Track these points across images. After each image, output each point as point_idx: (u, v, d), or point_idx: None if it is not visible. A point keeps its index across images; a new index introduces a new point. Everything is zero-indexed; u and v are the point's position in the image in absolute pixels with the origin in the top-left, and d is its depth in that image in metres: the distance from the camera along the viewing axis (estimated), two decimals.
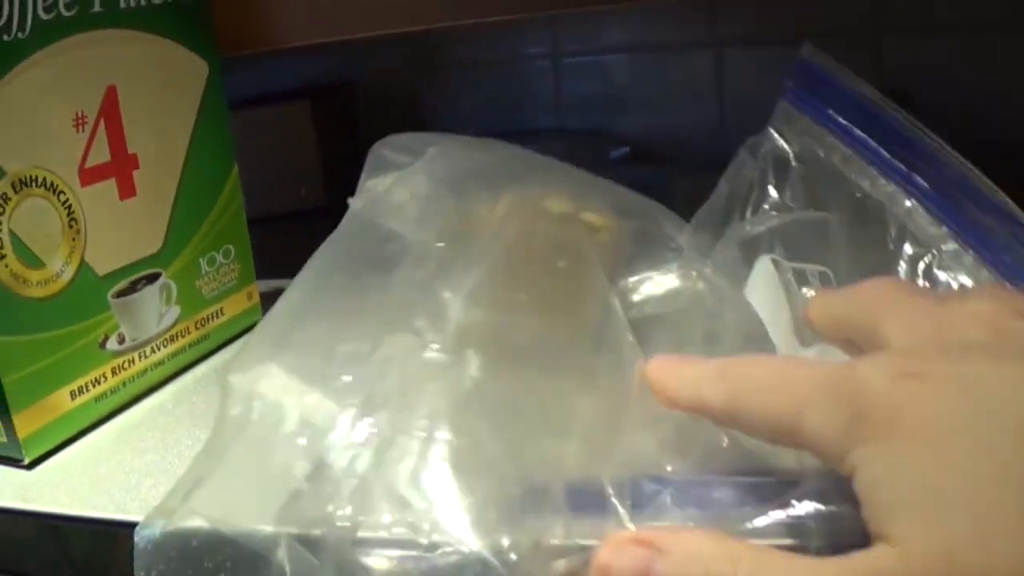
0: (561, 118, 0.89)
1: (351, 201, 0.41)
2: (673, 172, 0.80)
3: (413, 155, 0.42)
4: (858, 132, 0.41)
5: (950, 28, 0.75)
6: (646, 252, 0.41)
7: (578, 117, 0.88)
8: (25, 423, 0.43)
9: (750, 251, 0.42)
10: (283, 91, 0.83)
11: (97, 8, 0.45)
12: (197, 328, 0.52)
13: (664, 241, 0.42)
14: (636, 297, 0.39)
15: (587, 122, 0.88)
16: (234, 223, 0.54)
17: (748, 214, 0.44)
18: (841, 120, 0.42)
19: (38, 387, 0.43)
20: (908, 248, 0.39)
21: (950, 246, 0.39)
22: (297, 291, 0.38)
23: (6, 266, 0.41)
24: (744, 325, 0.37)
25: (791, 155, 0.43)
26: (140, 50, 0.48)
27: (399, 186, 0.40)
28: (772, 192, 0.43)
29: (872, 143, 0.41)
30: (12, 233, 0.42)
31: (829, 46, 0.43)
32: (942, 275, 0.38)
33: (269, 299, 0.57)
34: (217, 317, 0.54)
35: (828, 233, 0.42)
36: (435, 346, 0.34)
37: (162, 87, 0.49)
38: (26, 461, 0.43)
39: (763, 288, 0.41)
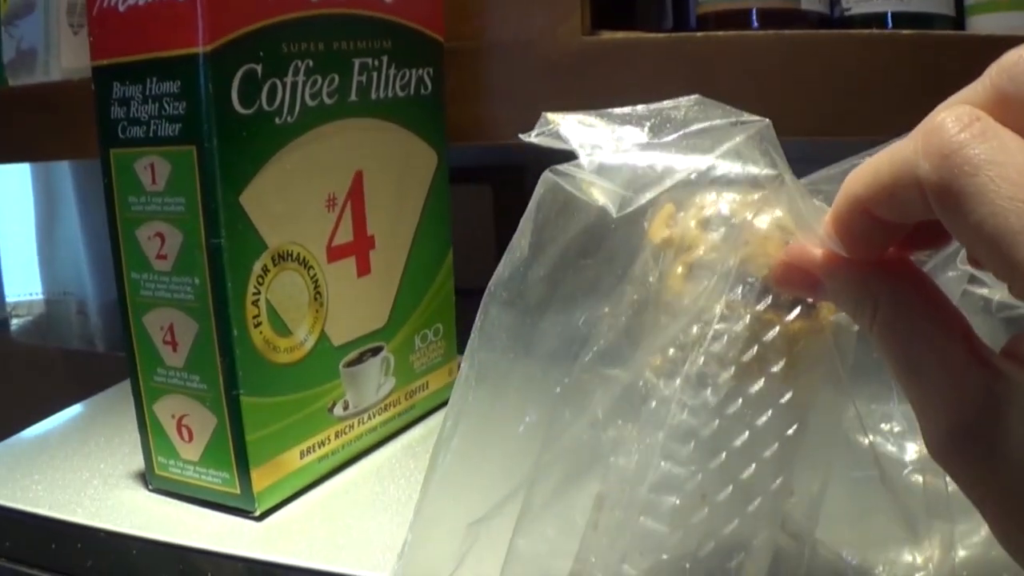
0: None
1: None
2: None
3: None
4: None
5: None
6: None
7: None
8: (261, 478, 0.46)
9: None
10: (462, 170, 0.87)
11: (353, 97, 0.49)
12: (407, 399, 0.55)
13: None
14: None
15: None
16: (446, 303, 0.57)
17: None
18: None
19: (275, 446, 0.46)
20: None
21: None
22: None
23: (261, 333, 0.45)
24: None
25: None
26: (384, 138, 0.51)
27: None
28: None
29: None
30: (268, 303, 0.45)
31: None
32: None
33: None
34: (423, 390, 0.57)
35: None
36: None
37: (399, 174, 0.53)
38: (257, 513, 0.46)
39: None
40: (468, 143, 0.61)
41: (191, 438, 0.47)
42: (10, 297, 1.19)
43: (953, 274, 0.35)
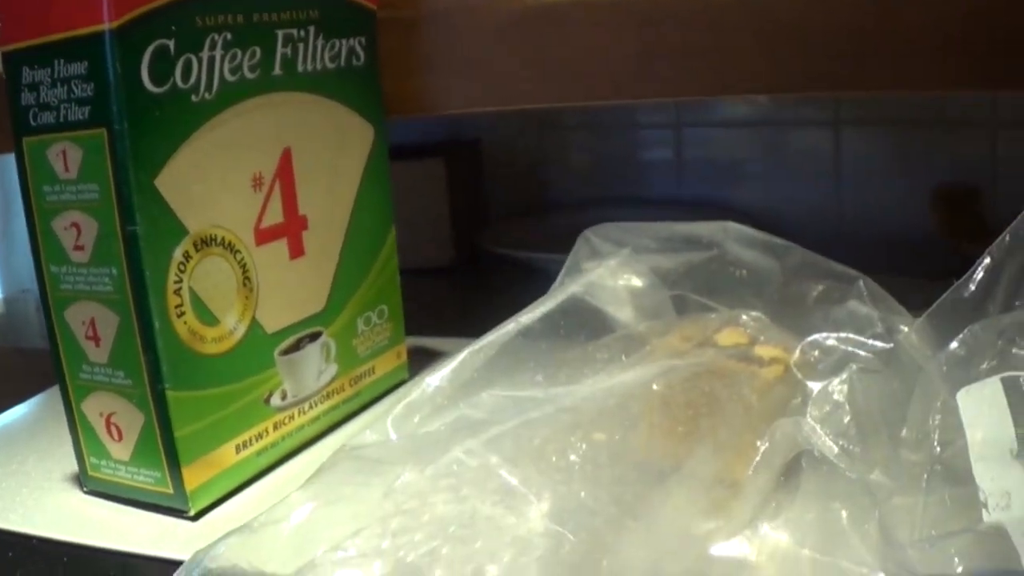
0: (679, 186, 0.89)
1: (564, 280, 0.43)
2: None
3: (619, 245, 0.43)
4: None
5: None
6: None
7: (695, 186, 0.89)
8: (193, 476, 0.44)
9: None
10: (414, 146, 0.85)
11: (278, 70, 0.46)
12: (351, 385, 0.53)
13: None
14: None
15: (703, 191, 0.88)
16: (390, 284, 0.55)
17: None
18: None
19: (207, 441, 0.44)
20: None
21: None
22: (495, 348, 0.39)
23: (185, 323, 0.43)
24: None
25: None
26: (314, 113, 0.49)
27: (617, 272, 0.41)
28: None
29: None
30: (192, 291, 0.43)
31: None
32: None
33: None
34: (369, 375, 0.54)
35: None
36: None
37: (332, 150, 0.50)
38: (191, 512, 0.44)
39: (982, 397, 0.39)
40: (412, 115, 0.59)
41: (120, 437, 0.44)
42: None
43: None
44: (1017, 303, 0.41)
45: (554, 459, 0.34)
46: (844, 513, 0.33)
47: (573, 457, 0.34)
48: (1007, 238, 0.41)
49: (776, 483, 0.35)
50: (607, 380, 0.38)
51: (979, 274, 0.41)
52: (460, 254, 0.84)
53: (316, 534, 0.32)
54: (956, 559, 0.30)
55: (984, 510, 0.33)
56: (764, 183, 0.88)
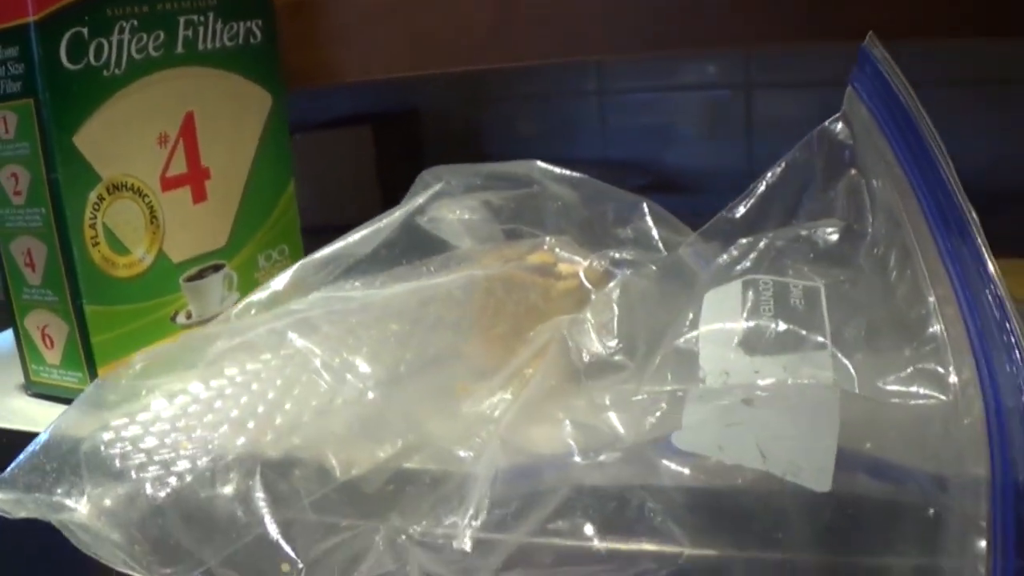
0: (604, 150, 0.99)
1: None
2: (699, 202, 0.89)
3: (451, 184, 0.53)
4: (902, 150, 0.42)
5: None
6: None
7: (620, 149, 0.98)
8: None
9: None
10: (348, 117, 0.95)
11: (180, 49, 0.57)
12: None
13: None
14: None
15: (628, 154, 0.98)
16: (290, 227, 0.66)
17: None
18: (891, 130, 0.43)
19: (118, 348, 0.55)
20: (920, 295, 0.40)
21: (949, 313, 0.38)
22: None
23: (99, 251, 0.53)
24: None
25: (850, 153, 0.47)
26: (214, 83, 0.60)
27: (453, 207, 0.51)
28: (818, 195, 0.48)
29: (914, 168, 0.41)
30: (105, 226, 0.53)
31: None
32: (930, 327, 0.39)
33: None
34: None
35: (856, 248, 0.45)
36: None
37: (232, 113, 0.61)
38: None
39: (722, 295, 0.46)
40: (316, 85, 0.69)
41: (52, 345, 0.55)
42: None
43: None
44: (793, 222, 0.49)
45: (350, 340, 0.44)
46: (579, 388, 0.43)
47: (364, 337, 0.44)
48: (783, 164, 0.49)
49: (531, 362, 0.45)
50: (414, 285, 0.48)
51: (752, 198, 0.50)
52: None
53: (147, 385, 0.43)
54: (644, 420, 0.39)
55: (700, 385, 0.41)
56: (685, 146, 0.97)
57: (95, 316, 0.53)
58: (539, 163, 0.55)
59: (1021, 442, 0.34)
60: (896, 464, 0.36)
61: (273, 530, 0.36)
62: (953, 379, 0.37)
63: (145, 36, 0.55)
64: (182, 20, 0.57)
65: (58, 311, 0.54)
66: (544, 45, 0.65)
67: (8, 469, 0.41)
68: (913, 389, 0.38)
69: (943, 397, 0.37)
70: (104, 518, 0.39)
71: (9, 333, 0.71)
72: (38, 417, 0.55)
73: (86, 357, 0.54)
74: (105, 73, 0.53)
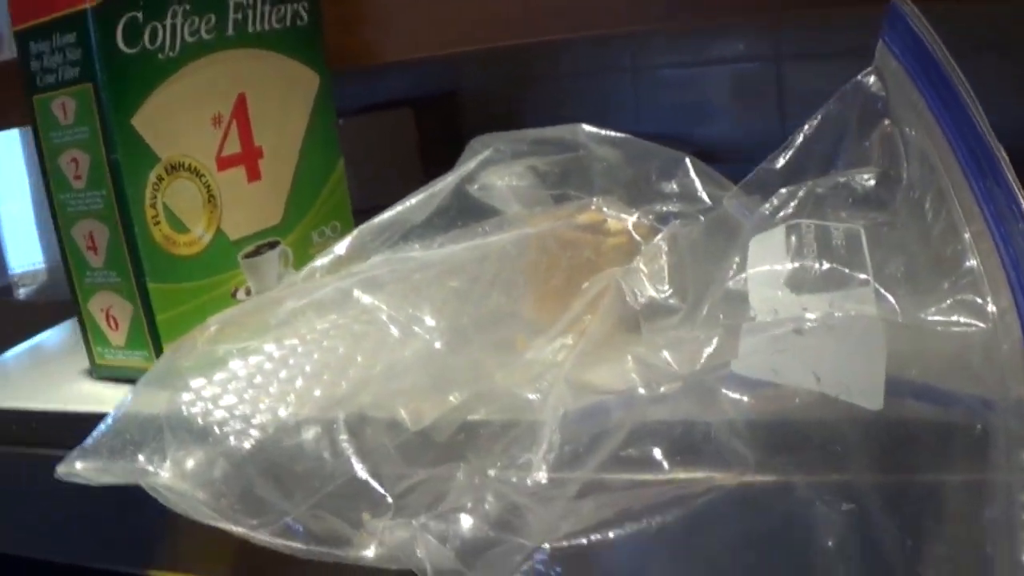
0: (639, 125, 0.99)
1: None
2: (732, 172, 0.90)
3: (499, 152, 0.54)
4: (933, 99, 0.43)
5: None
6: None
7: (654, 124, 0.99)
8: None
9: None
10: (390, 100, 0.96)
11: (231, 32, 0.58)
12: None
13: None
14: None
15: (661, 129, 0.98)
16: (340, 205, 0.67)
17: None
18: (922, 81, 0.43)
19: (183, 325, 0.56)
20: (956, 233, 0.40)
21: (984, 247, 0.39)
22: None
23: (160, 231, 0.54)
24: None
25: (883, 104, 0.47)
26: (264, 65, 0.61)
27: (502, 174, 0.52)
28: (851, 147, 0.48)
29: (945, 115, 0.42)
30: (165, 206, 0.55)
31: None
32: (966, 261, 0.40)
33: None
34: None
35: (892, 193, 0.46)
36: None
37: (282, 94, 0.62)
38: None
39: (767, 240, 0.47)
40: (358, 64, 0.70)
41: (117, 326, 0.56)
42: (14, 269, 1.28)
43: None
44: (830, 172, 0.50)
45: (412, 296, 0.45)
46: (642, 325, 0.44)
47: (425, 293, 0.45)
48: (819, 117, 0.50)
49: (588, 310, 0.46)
50: (471, 244, 0.49)
51: (790, 150, 0.51)
52: None
53: (221, 346, 0.44)
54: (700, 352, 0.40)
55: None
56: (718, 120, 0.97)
57: (159, 294, 0.54)
58: (584, 126, 0.56)
59: None
60: (943, 388, 0.37)
61: (362, 471, 0.37)
62: (991, 308, 0.38)
63: (197, 19, 0.56)
64: (232, 3, 0.58)
65: (122, 291, 0.55)
66: (573, 20, 0.66)
67: (90, 438, 0.42)
68: (953, 318, 0.39)
69: (982, 325, 0.38)
70: (189, 478, 0.40)
71: (65, 324, 0.74)
72: (108, 398, 0.56)
73: (151, 335, 0.55)
74: (160, 56, 0.54)
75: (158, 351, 0.55)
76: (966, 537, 0.33)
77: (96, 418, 0.55)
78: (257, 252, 0.60)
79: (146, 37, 0.53)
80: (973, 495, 0.34)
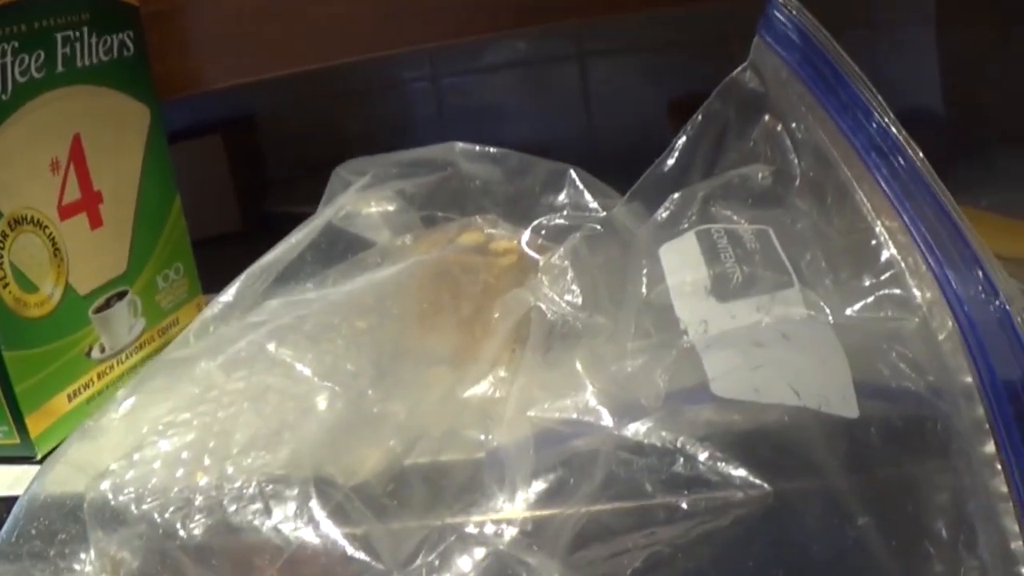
0: (443, 135, 0.98)
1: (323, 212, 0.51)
2: None
3: (367, 175, 0.52)
4: (823, 90, 0.43)
5: None
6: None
7: (458, 133, 0.98)
8: (35, 424, 0.50)
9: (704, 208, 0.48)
10: (192, 127, 0.91)
11: (60, 68, 0.53)
12: (159, 336, 0.60)
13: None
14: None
15: (466, 136, 0.98)
16: (181, 243, 0.63)
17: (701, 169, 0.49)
18: (807, 72, 0.44)
19: (43, 392, 0.51)
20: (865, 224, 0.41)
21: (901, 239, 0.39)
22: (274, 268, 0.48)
23: (9, 292, 0.49)
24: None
25: (763, 100, 0.48)
26: (96, 102, 0.56)
27: (368, 200, 0.50)
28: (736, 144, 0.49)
29: (837, 105, 0.42)
30: (12, 264, 0.49)
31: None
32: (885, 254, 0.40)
33: None
34: (174, 325, 0.62)
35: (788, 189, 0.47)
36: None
37: (115, 131, 0.57)
38: (38, 457, 0.51)
39: (678, 248, 0.47)
40: (183, 94, 0.66)
41: None
42: None
43: None
44: (716, 172, 0.51)
45: (323, 344, 0.43)
46: (567, 353, 0.43)
47: (338, 340, 0.43)
48: (699, 117, 0.51)
49: (512, 338, 0.45)
50: (365, 280, 0.47)
51: (676, 152, 0.51)
52: (247, 219, 0.91)
53: (138, 422, 0.40)
54: (659, 377, 0.40)
55: (685, 336, 0.42)
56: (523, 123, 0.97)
57: (15, 361, 0.49)
58: (459, 144, 0.55)
59: (998, 348, 0.37)
60: (895, 385, 0.38)
61: (347, 544, 0.35)
62: (918, 300, 0.39)
63: (27, 57, 0.51)
64: (59, 37, 0.53)
65: None
66: (391, 37, 0.65)
67: (1, 538, 0.38)
68: (882, 314, 0.41)
69: (914, 318, 0.39)
70: (123, 571, 0.36)
71: None
72: None
73: (11, 408, 0.50)
74: None
75: (20, 425, 0.50)
76: (951, 532, 0.34)
77: None
78: (107, 305, 0.56)
79: None
80: (948, 488, 0.35)
